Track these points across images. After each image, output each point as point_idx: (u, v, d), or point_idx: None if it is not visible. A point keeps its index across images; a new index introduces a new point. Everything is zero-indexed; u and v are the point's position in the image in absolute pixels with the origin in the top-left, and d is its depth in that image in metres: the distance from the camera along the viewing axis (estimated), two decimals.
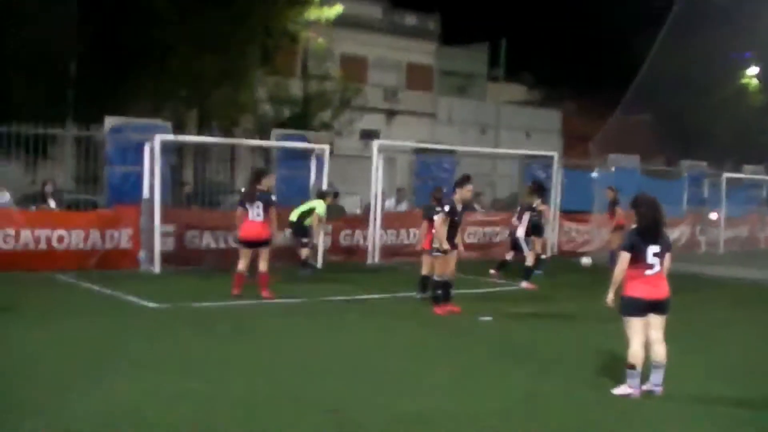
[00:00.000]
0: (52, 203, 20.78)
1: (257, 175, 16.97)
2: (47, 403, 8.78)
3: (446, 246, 15.24)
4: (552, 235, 26.95)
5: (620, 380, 9.92)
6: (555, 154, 28.38)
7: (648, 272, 9.69)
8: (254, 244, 16.36)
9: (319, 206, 20.03)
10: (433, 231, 15.83)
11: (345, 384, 10.02)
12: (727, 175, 32.14)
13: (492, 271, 20.31)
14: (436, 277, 15.56)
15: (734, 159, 40.10)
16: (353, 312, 15.57)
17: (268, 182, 16.87)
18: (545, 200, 21.32)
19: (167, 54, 29.33)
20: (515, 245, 20.41)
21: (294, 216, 19.97)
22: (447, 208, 15.18)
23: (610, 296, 9.81)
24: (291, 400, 9.16)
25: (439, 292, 15.49)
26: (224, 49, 30.07)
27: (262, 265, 16.32)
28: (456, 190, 15.51)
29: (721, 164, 35.05)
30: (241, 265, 16.38)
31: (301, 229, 20.04)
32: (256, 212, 16.22)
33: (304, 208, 20.11)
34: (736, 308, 18.07)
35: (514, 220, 20.73)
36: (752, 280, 22.56)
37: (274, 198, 16.67)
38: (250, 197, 16.41)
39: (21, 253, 18.84)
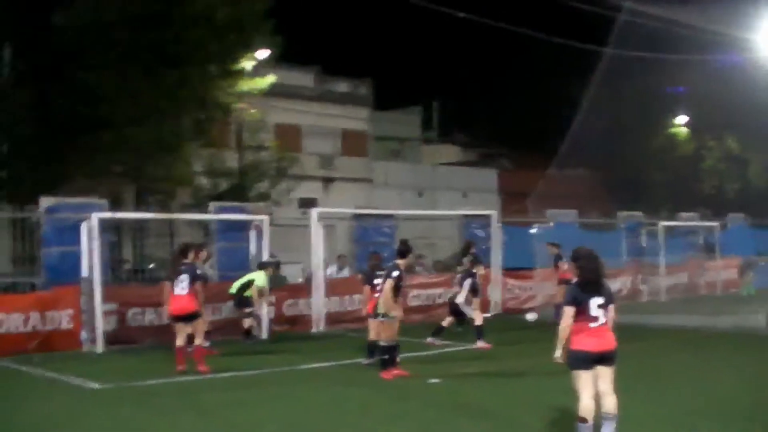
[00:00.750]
0: None
1: (183, 250, 17.16)
2: None
3: (395, 311, 15.25)
4: (495, 293, 27.02)
5: None
6: (493, 213, 28.54)
7: (593, 324, 9.72)
8: (182, 318, 16.38)
9: (259, 278, 19.96)
10: (376, 296, 15.87)
11: None
12: (663, 223, 32.48)
13: (429, 339, 20.15)
14: (382, 342, 15.50)
15: (669, 207, 40.73)
16: (301, 381, 15.44)
17: (202, 256, 17.05)
18: (477, 258, 21.29)
19: (101, 126, 29.18)
20: (456, 312, 20.35)
21: (234, 289, 19.91)
22: (396, 273, 15.22)
23: (559, 351, 9.82)
24: None
25: (387, 356, 15.43)
26: (158, 122, 29.97)
27: (197, 340, 16.35)
28: (400, 259, 15.56)
29: (656, 213, 35.52)
30: (179, 340, 16.34)
31: (242, 301, 19.94)
32: (180, 286, 16.31)
33: (243, 280, 20.02)
34: (682, 354, 18.25)
35: (455, 286, 20.69)
36: (695, 326, 22.73)
37: (199, 272, 16.72)
38: (174, 271, 16.57)
39: None
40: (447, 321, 20.24)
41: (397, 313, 15.35)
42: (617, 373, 9.85)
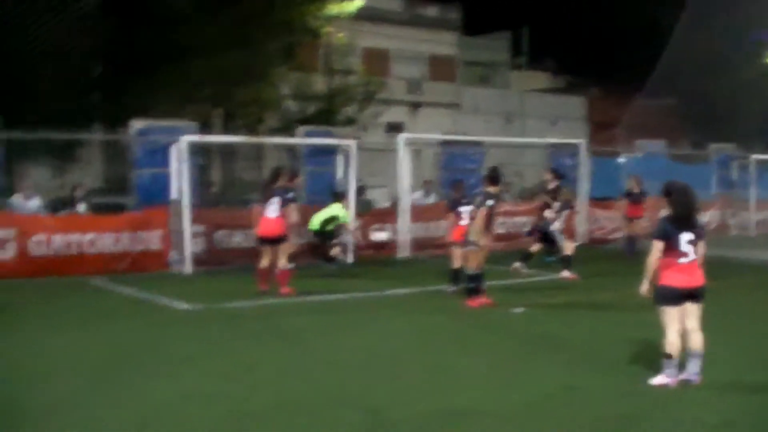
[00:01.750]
0: (81, 207, 20.88)
1: (275, 173, 17.21)
2: (83, 404, 8.85)
3: (484, 240, 15.23)
4: (582, 223, 26.85)
5: (656, 370, 9.86)
6: (581, 142, 28.26)
7: (682, 260, 9.63)
8: (270, 241, 16.64)
9: (340, 213, 19.78)
10: (461, 224, 15.91)
11: (379, 381, 10.01)
12: (755, 157, 31.86)
13: (516, 265, 19.98)
14: (469, 270, 15.50)
15: (763, 140, 39.82)
16: (385, 307, 15.54)
17: (296, 182, 17.18)
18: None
19: (189, 54, 29.35)
20: (546, 239, 20.19)
21: (315, 225, 19.65)
22: (491, 202, 15.19)
23: (645, 286, 9.76)
24: (326, 399, 9.16)
25: (473, 284, 15.45)
26: (246, 47, 30.07)
27: (280, 262, 16.55)
28: (491, 186, 15.46)
29: (749, 146, 34.76)
30: (263, 261, 16.66)
31: (325, 235, 19.73)
32: (271, 209, 16.45)
33: (324, 215, 19.72)
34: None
35: (550, 213, 20.43)
36: None
37: (291, 195, 16.73)
38: (266, 194, 16.69)
39: (52, 258, 18.96)
40: (535, 247, 20.09)
41: (485, 241, 15.34)
42: (703, 310, 9.76)
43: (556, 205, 20.28)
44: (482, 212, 15.17)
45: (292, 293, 16.34)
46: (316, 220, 19.56)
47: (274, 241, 16.60)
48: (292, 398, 9.17)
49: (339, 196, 20.11)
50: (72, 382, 9.82)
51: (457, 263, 16.66)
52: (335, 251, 19.97)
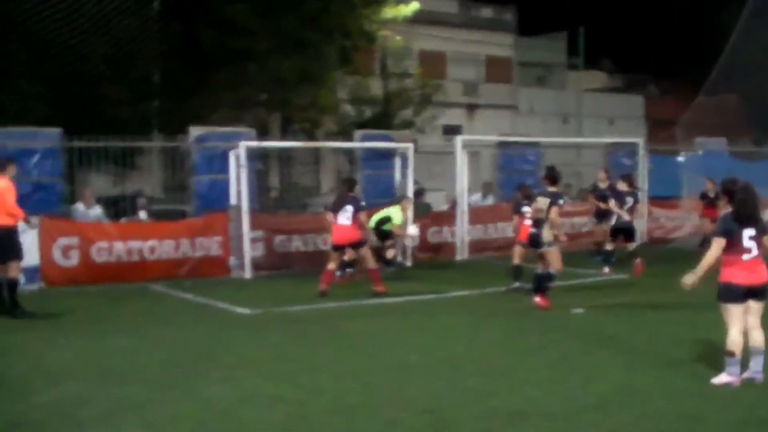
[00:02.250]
0: (142, 214, 21.09)
1: (350, 183, 17.75)
2: (142, 407, 8.96)
3: (563, 237, 15.90)
4: (641, 223, 26.63)
5: (718, 369, 9.78)
6: (640, 141, 28.04)
7: (745, 257, 9.55)
8: (343, 247, 17.08)
9: (395, 215, 19.80)
10: (525, 224, 16.02)
11: (438, 383, 10.01)
12: None
13: (606, 270, 19.96)
14: (547, 271, 15.49)
15: None
16: (444, 309, 15.54)
17: (357, 190, 17.60)
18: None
19: (247, 59, 29.56)
20: (628, 233, 20.17)
21: (372, 223, 19.73)
22: (562, 201, 15.51)
23: (692, 279, 9.70)
24: (385, 402, 9.18)
25: (547, 284, 15.55)
26: (302, 52, 30.23)
27: (368, 263, 17.18)
28: (552, 185, 15.58)
29: None
30: (331, 265, 16.90)
31: (381, 234, 19.87)
32: (345, 216, 16.77)
33: (381, 215, 19.86)
34: None
35: (617, 207, 20.24)
36: None
37: (363, 203, 17.07)
38: (338, 202, 17.11)
39: (114, 265, 19.15)
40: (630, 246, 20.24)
41: (565, 238, 16.00)
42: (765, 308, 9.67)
43: (629, 200, 20.16)
44: (555, 211, 15.23)
45: (384, 291, 16.86)
46: (373, 219, 19.70)
47: (351, 246, 17.14)
48: (351, 401, 9.20)
49: (400, 200, 20.22)
50: (132, 385, 9.92)
51: (516, 260, 17.19)
52: (390, 253, 20.02)
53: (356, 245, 17.00)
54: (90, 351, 12.08)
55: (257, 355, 11.70)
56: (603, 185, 21.59)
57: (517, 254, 17.30)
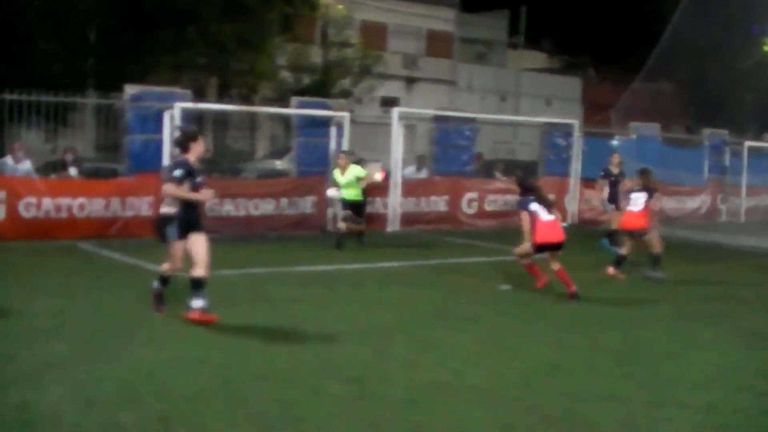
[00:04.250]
0: (73, 171, 20.84)
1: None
2: (65, 368, 8.86)
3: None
4: (572, 204, 26.90)
5: (638, 351, 9.89)
6: (575, 122, 28.27)
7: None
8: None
9: (358, 172, 20.03)
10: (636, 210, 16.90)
11: (366, 353, 10.04)
12: (748, 143, 31.88)
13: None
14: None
15: (756, 127, 39.80)
16: (374, 280, 15.56)
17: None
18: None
19: (187, 21, 29.28)
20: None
21: (355, 195, 20.03)
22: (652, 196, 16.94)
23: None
24: (311, 370, 9.17)
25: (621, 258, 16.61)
26: (243, 17, 30.00)
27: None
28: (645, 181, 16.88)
29: (742, 133, 34.74)
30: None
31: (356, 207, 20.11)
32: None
33: (348, 180, 19.97)
34: (756, 276, 18.00)
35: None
36: None
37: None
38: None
39: (43, 221, 18.90)
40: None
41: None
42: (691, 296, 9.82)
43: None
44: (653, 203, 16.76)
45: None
46: (349, 192, 19.67)
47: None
48: (276, 368, 9.18)
49: (358, 161, 20.42)
50: (56, 345, 9.82)
51: (631, 249, 16.91)
52: (359, 226, 20.04)
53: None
54: (15, 309, 11.90)
55: (176, 322, 11.63)
56: (615, 170, 21.55)
57: (628, 244, 16.93)
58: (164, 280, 11.72)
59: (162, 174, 12.27)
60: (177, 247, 11.23)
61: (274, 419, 7.60)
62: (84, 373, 8.60)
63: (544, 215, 14.06)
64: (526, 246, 14.26)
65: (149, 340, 10.18)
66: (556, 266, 14.22)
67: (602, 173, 21.77)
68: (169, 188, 11.01)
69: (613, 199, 21.16)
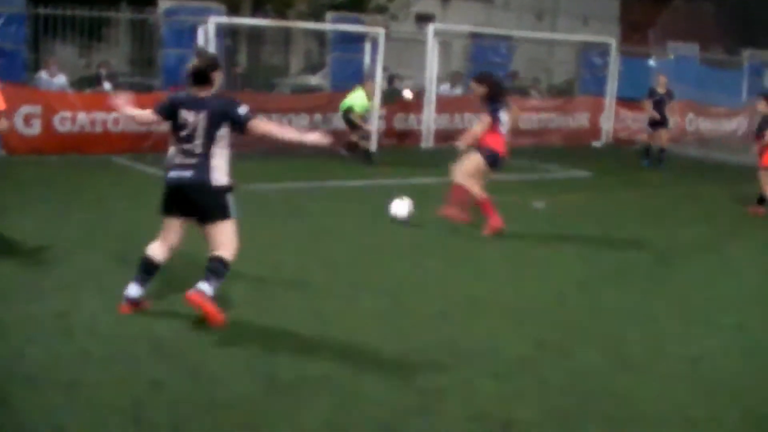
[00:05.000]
0: (107, 86, 20.86)
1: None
2: (102, 275, 9.13)
3: None
4: (607, 122, 26.71)
5: (669, 266, 9.90)
6: (612, 41, 27.95)
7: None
8: None
9: (357, 102, 20.10)
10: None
11: (400, 266, 10.10)
12: None
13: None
14: None
15: None
16: (407, 196, 15.55)
17: None
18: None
19: None
20: None
21: (342, 108, 20.24)
22: None
23: None
24: (345, 282, 9.24)
25: None
26: None
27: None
28: None
29: None
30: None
31: (348, 121, 20.08)
32: None
33: (347, 103, 20.04)
34: None
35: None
36: None
37: None
38: None
39: (77, 135, 18.99)
40: None
41: None
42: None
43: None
44: None
45: None
46: (343, 104, 19.81)
47: None
48: (310, 279, 9.26)
49: (363, 82, 20.34)
50: (94, 255, 9.96)
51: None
52: (354, 137, 20.12)
53: None
54: (51, 222, 12.04)
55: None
56: (661, 90, 21.46)
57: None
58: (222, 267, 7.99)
59: (228, 110, 7.85)
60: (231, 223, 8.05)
61: (308, 329, 7.67)
62: (120, 283, 8.67)
63: (504, 128, 12.51)
64: (476, 160, 12.52)
65: (184, 252, 10.24)
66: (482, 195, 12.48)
67: (648, 93, 21.67)
68: (260, 126, 8.04)
69: (657, 121, 21.15)
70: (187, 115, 7.79)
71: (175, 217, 8.08)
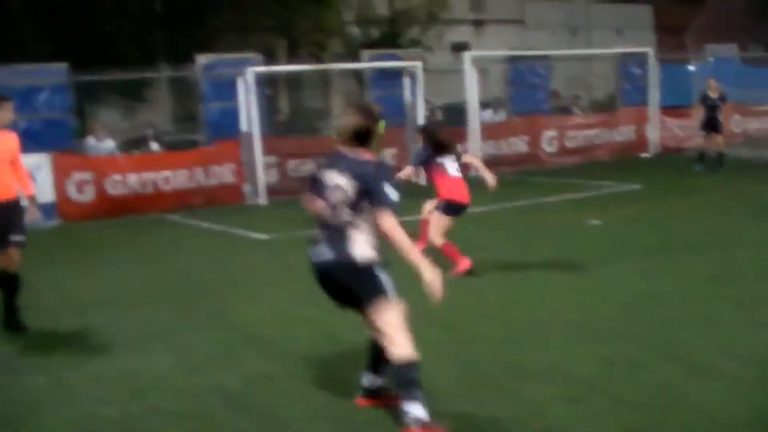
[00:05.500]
0: (154, 146, 21.11)
1: None
2: (170, 331, 9.15)
3: None
4: (653, 132, 26.56)
5: (732, 273, 9.81)
6: (649, 50, 27.86)
7: None
8: None
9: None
10: None
11: (461, 295, 10.07)
12: None
13: None
14: None
15: None
16: (459, 224, 15.52)
17: None
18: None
19: None
20: None
21: None
22: None
23: None
24: (411, 318, 9.23)
25: None
26: None
27: None
28: None
29: None
30: None
31: None
32: None
33: None
34: None
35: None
36: None
37: None
38: None
39: (129, 197, 19.26)
40: None
41: None
42: None
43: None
44: None
45: None
46: None
47: None
48: None
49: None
50: (157, 312, 10.04)
51: None
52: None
53: None
54: (113, 281, 12.20)
55: (278, 277, 11.76)
56: (713, 95, 21.44)
57: None
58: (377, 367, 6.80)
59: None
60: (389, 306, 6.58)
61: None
62: (186, 338, 8.77)
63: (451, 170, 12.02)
64: (437, 219, 12.01)
65: (247, 301, 10.32)
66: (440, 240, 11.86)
67: (700, 98, 21.62)
68: (388, 222, 6.30)
69: (711, 124, 21.07)
70: (332, 179, 6.27)
71: (347, 307, 6.72)
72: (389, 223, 6.25)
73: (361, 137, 6.35)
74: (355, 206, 6.20)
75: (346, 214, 6.20)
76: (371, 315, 6.41)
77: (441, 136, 12.07)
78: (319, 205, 6.28)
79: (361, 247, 6.33)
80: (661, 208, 16.15)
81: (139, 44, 28.07)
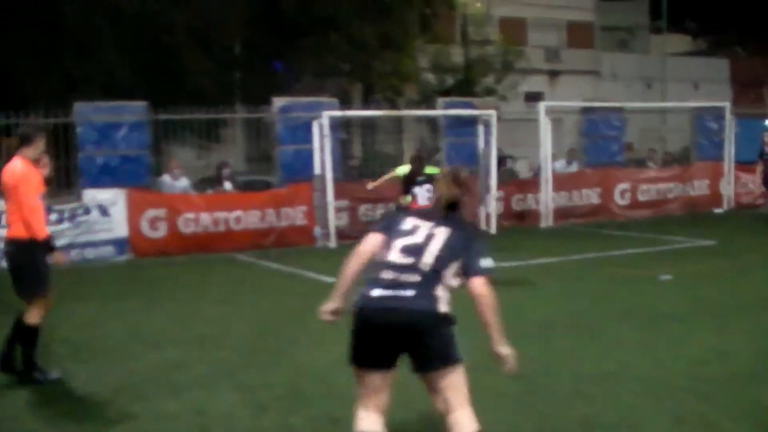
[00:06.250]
0: (228, 185, 21.34)
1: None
2: (235, 372, 9.15)
3: None
4: (728, 188, 26.30)
5: None
6: (726, 104, 27.65)
7: None
8: None
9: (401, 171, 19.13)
10: None
11: (530, 347, 10.01)
12: None
13: None
14: None
15: None
16: (530, 276, 15.51)
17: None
18: None
19: (328, 26, 29.69)
20: None
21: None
22: None
23: None
24: (474, 368, 9.19)
25: None
26: (384, 19, 30.29)
27: None
28: None
29: None
30: None
31: None
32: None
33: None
34: None
35: None
36: None
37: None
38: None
39: (201, 235, 19.44)
40: None
41: None
42: None
43: None
44: None
45: None
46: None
47: None
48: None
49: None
50: (224, 351, 10.12)
51: None
52: None
53: None
54: (183, 318, 12.32)
55: (346, 321, 11.76)
56: None
57: None
58: None
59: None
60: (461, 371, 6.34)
61: (441, 417, 7.65)
62: (253, 378, 8.83)
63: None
64: None
65: (314, 343, 10.36)
66: None
67: (759, 153, 21.39)
68: (480, 289, 6.26)
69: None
70: (419, 223, 6.11)
71: (376, 370, 6.15)
72: (484, 288, 6.13)
73: (454, 207, 6.14)
74: (446, 262, 5.96)
75: (434, 266, 5.91)
76: (442, 381, 6.08)
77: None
78: (394, 246, 6.07)
79: (445, 303, 6.08)
80: (735, 264, 15.96)
81: (217, 83, 28.43)
